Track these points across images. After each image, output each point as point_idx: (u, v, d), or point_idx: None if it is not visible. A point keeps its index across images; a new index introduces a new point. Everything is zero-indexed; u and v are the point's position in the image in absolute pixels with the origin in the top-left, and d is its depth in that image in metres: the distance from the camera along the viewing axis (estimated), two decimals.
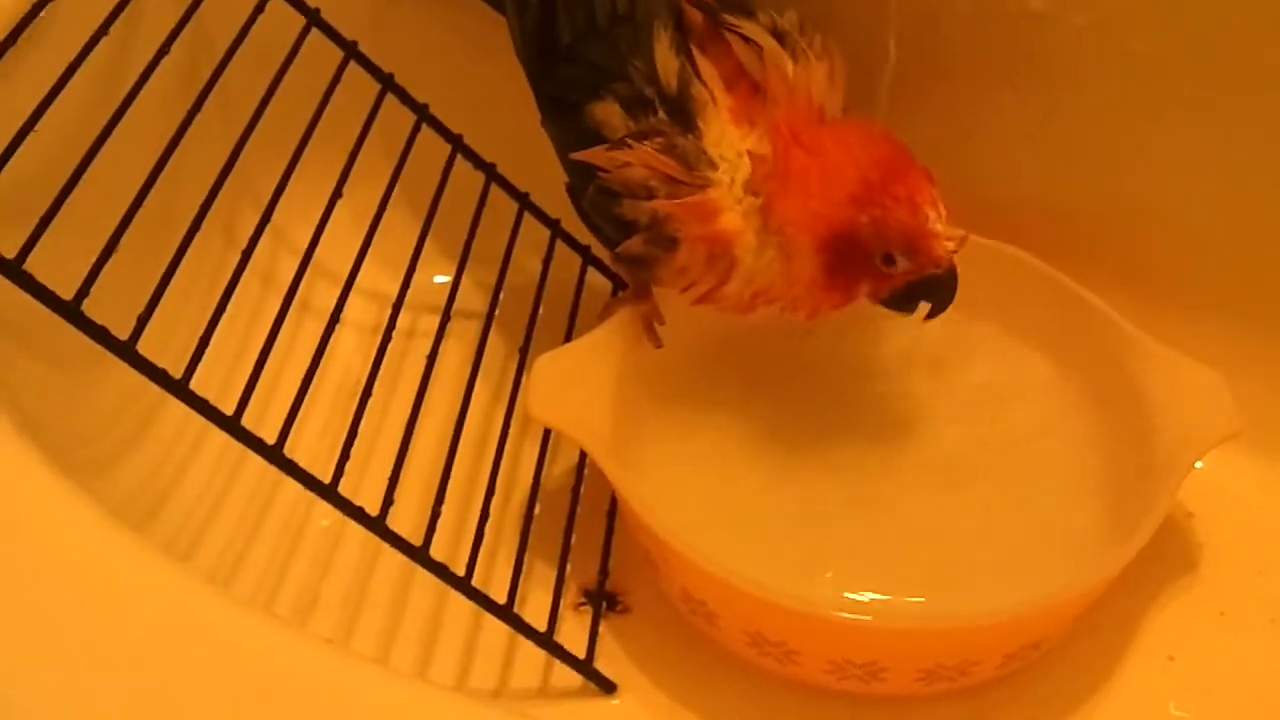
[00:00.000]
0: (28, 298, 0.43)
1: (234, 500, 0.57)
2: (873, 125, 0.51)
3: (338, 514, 0.47)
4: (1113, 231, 0.61)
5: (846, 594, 0.52)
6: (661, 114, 0.51)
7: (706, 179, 0.50)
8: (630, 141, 0.51)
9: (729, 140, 0.51)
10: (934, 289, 0.51)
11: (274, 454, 0.46)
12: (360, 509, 0.47)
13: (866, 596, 0.52)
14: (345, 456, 0.48)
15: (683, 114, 0.51)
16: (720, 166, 0.51)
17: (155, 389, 0.45)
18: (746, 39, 0.52)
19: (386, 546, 0.48)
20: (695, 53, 0.51)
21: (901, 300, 0.51)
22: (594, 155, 0.52)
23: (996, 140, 0.61)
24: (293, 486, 0.47)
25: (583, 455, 0.58)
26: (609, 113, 0.52)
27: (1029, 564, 0.53)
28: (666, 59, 0.51)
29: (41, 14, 0.49)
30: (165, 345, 0.47)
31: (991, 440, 0.58)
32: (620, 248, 0.53)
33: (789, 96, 0.51)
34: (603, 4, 0.53)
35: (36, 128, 0.46)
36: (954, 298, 0.51)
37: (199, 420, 0.45)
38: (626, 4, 0.53)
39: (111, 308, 0.45)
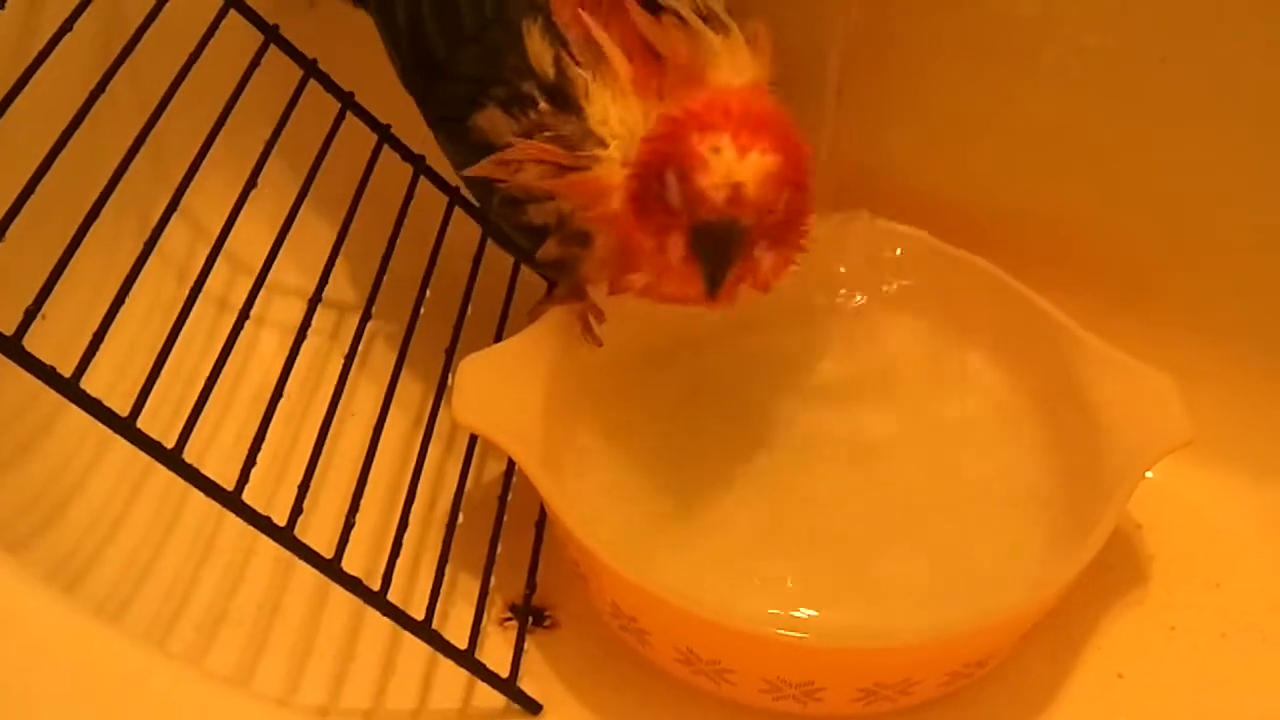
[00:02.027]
0: None
1: (139, 511, 0.54)
2: (774, 102, 0.48)
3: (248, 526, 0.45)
4: (1066, 234, 0.60)
5: (781, 610, 0.50)
6: (544, 105, 0.48)
7: (593, 157, 0.48)
8: (513, 141, 0.49)
9: (622, 116, 0.48)
10: (708, 241, 0.45)
11: (173, 459, 0.43)
12: (267, 519, 0.45)
13: (803, 612, 0.50)
14: (251, 462, 0.45)
15: (564, 99, 0.48)
16: (611, 144, 0.48)
17: (51, 392, 0.42)
18: (658, 10, 0.49)
19: (300, 560, 0.45)
20: (594, 26, 0.49)
21: (698, 258, 0.46)
22: (482, 168, 0.50)
23: (948, 139, 0.59)
24: (202, 496, 0.44)
25: (511, 463, 0.55)
26: (492, 119, 0.49)
27: (973, 577, 0.51)
28: (539, 49, 0.49)
29: None
30: (64, 344, 0.44)
31: (934, 447, 0.56)
32: (538, 254, 0.51)
33: (689, 69, 0.48)
34: (469, 9, 0.51)
35: None
36: (728, 260, 0.45)
37: (100, 426, 0.43)
38: (493, 5, 0.50)
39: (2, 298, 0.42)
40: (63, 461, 0.53)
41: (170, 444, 0.43)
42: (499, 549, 0.53)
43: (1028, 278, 0.56)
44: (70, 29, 0.50)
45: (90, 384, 0.42)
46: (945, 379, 0.58)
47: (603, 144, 0.48)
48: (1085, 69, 0.56)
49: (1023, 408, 0.56)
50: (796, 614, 0.50)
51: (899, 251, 0.59)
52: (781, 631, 0.47)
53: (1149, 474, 0.50)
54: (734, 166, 0.44)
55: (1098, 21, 0.55)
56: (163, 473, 0.44)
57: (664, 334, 0.57)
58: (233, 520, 0.44)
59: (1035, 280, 0.56)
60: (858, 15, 0.56)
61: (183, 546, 0.54)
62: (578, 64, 0.49)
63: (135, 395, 0.43)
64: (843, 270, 0.59)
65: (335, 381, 0.51)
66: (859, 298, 0.60)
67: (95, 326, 0.44)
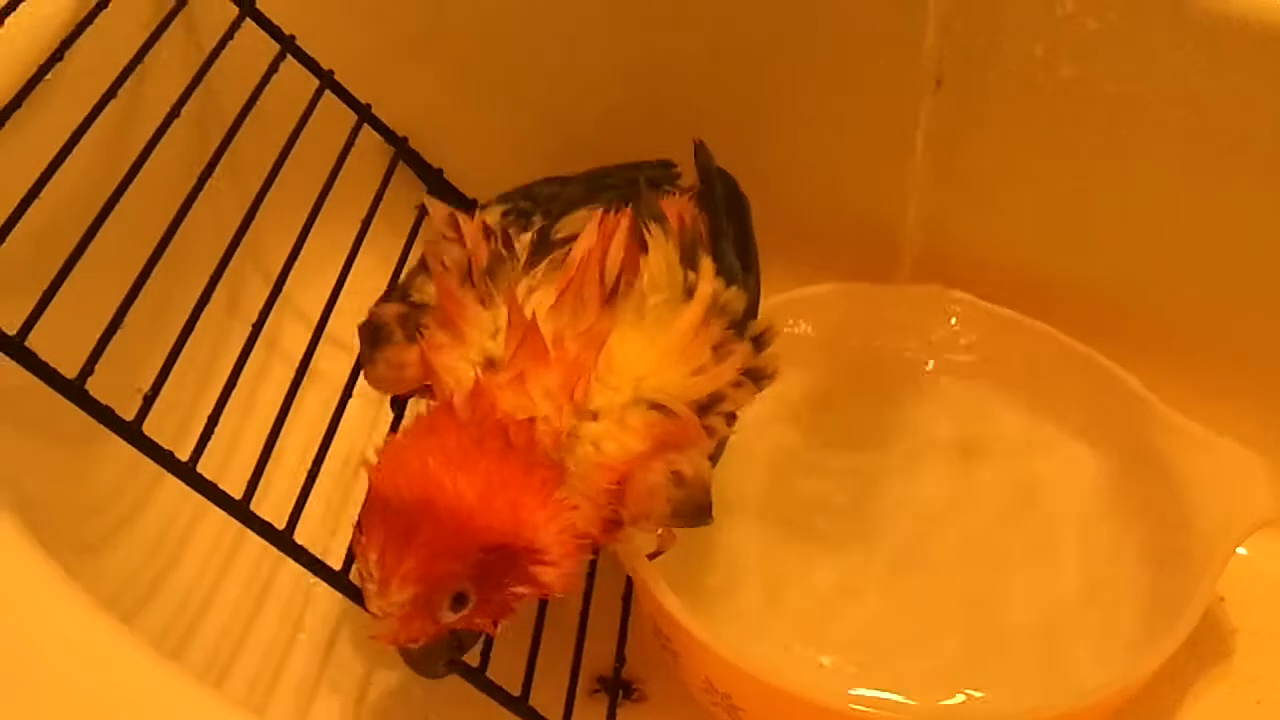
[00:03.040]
0: (22, 370, 0.42)
1: (231, 585, 0.55)
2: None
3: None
4: (1146, 307, 0.60)
5: (878, 691, 0.50)
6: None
7: None
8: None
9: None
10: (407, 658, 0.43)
11: (284, 539, 0.44)
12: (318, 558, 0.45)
13: (897, 696, 0.50)
14: (300, 506, 0.46)
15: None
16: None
17: (152, 465, 0.43)
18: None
19: None
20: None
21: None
22: None
23: (1027, 213, 0.60)
24: (292, 568, 0.45)
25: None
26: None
27: (1062, 658, 0.51)
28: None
29: (46, 76, 0.48)
30: (164, 421, 0.45)
31: (1012, 521, 0.56)
32: None
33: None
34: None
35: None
36: (426, 667, 0.43)
37: (196, 498, 0.44)
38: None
39: (110, 380, 0.43)
40: (160, 532, 0.54)
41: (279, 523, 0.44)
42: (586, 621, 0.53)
43: (1109, 352, 0.57)
44: (178, 114, 0.51)
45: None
46: (1024, 453, 0.58)
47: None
48: (1167, 145, 0.56)
49: (1111, 483, 0.56)
50: (894, 696, 0.50)
51: (975, 324, 0.60)
52: (888, 715, 0.48)
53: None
54: (379, 604, 0.39)
55: (1179, 98, 0.55)
56: (254, 545, 0.45)
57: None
58: (325, 591, 0.45)
59: (1112, 355, 0.56)
60: (943, 92, 0.57)
61: (272, 622, 0.55)
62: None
63: (196, 441, 0.44)
64: (919, 343, 0.60)
65: None
66: (934, 368, 0.60)
67: (184, 402, 0.45)
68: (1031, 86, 0.56)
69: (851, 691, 0.50)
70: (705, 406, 0.44)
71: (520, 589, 0.41)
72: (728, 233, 0.49)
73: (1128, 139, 0.57)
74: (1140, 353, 0.57)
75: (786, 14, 0.58)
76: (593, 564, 0.55)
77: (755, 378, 0.46)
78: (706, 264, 0.46)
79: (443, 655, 0.42)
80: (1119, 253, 0.59)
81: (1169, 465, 0.53)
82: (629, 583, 0.55)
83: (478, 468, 0.39)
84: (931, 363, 0.60)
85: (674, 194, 0.51)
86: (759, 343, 0.46)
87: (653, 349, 0.43)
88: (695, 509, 0.43)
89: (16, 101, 0.46)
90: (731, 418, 0.46)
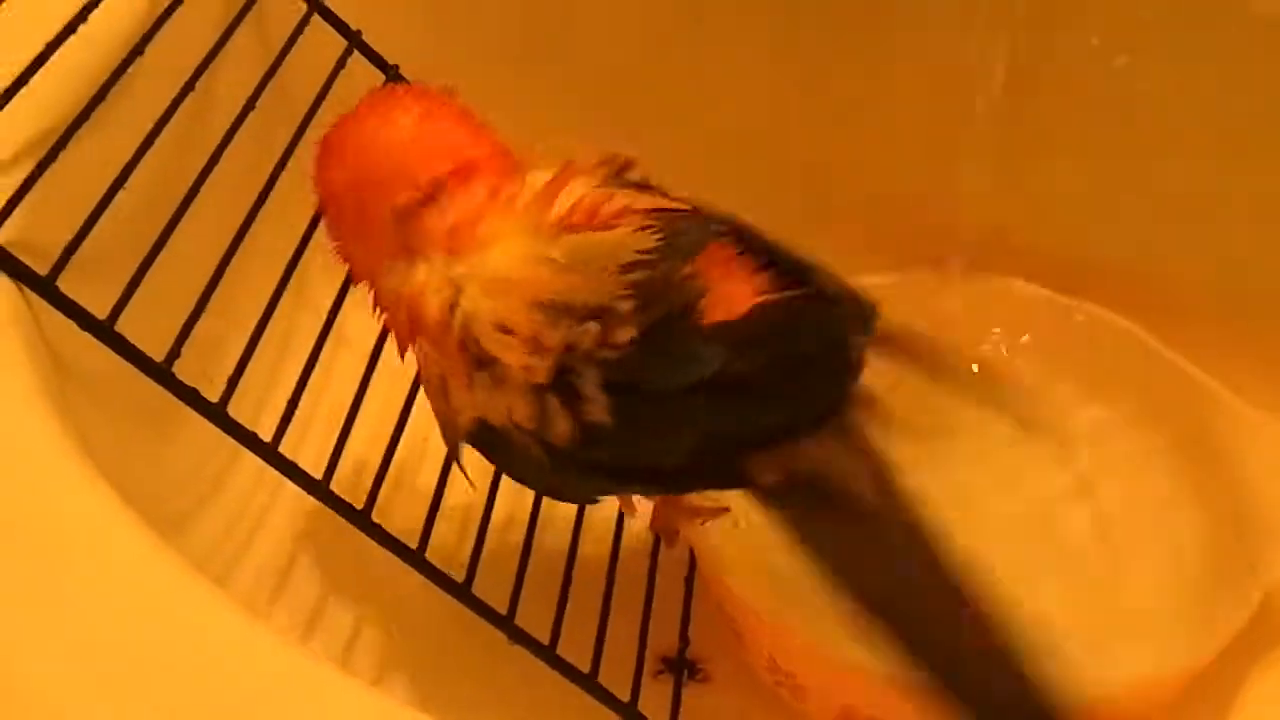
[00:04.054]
0: (100, 354, 0.43)
1: (306, 558, 0.56)
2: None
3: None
4: (1204, 293, 0.60)
5: None
6: None
7: None
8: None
9: None
10: None
11: (363, 519, 0.45)
12: (447, 576, 0.47)
13: None
14: (430, 525, 0.47)
15: None
16: None
17: (229, 445, 0.45)
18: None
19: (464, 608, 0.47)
20: None
21: None
22: None
23: (1083, 201, 0.60)
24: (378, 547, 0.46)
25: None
26: None
27: (1116, 644, 0.52)
28: None
29: (128, 69, 0.49)
30: (241, 401, 0.46)
31: (1078, 511, 0.57)
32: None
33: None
34: None
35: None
36: None
37: (273, 475, 0.45)
38: None
39: (189, 360, 0.44)
40: (239, 508, 0.56)
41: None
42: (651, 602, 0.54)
43: (1167, 338, 0.57)
44: (253, 106, 0.53)
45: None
46: (1083, 439, 0.59)
47: None
48: (1223, 132, 0.57)
49: (1165, 468, 0.57)
50: None
51: (1033, 313, 0.60)
52: None
53: None
54: None
55: (1235, 87, 0.56)
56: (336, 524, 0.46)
57: None
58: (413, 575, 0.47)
59: (1176, 341, 0.57)
60: (999, 83, 0.57)
61: (356, 594, 0.56)
62: None
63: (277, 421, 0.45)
64: (976, 332, 0.61)
65: None
66: (992, 356, 0.61)
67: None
68: (1087, 76, 0.57)
69: None
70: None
71: None
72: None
73: (1183, 127, 0.57)
74: (1198, 338, 0.58)
75: (853, 4, 0.59)
76: (656, 542, 0.56)
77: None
78: None
79: None
80: (1176, 240, 0.60)
81: (1228, 451, 0.54)
82: (693, 563, 0.56)
83: None
84: (987, 349, 0.61)
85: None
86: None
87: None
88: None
89: (101, 95, 0.47)
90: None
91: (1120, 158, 0.59)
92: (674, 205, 0.43)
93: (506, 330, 0.40)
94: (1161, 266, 0.60)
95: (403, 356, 0.45)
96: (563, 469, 0.42)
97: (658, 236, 0.40)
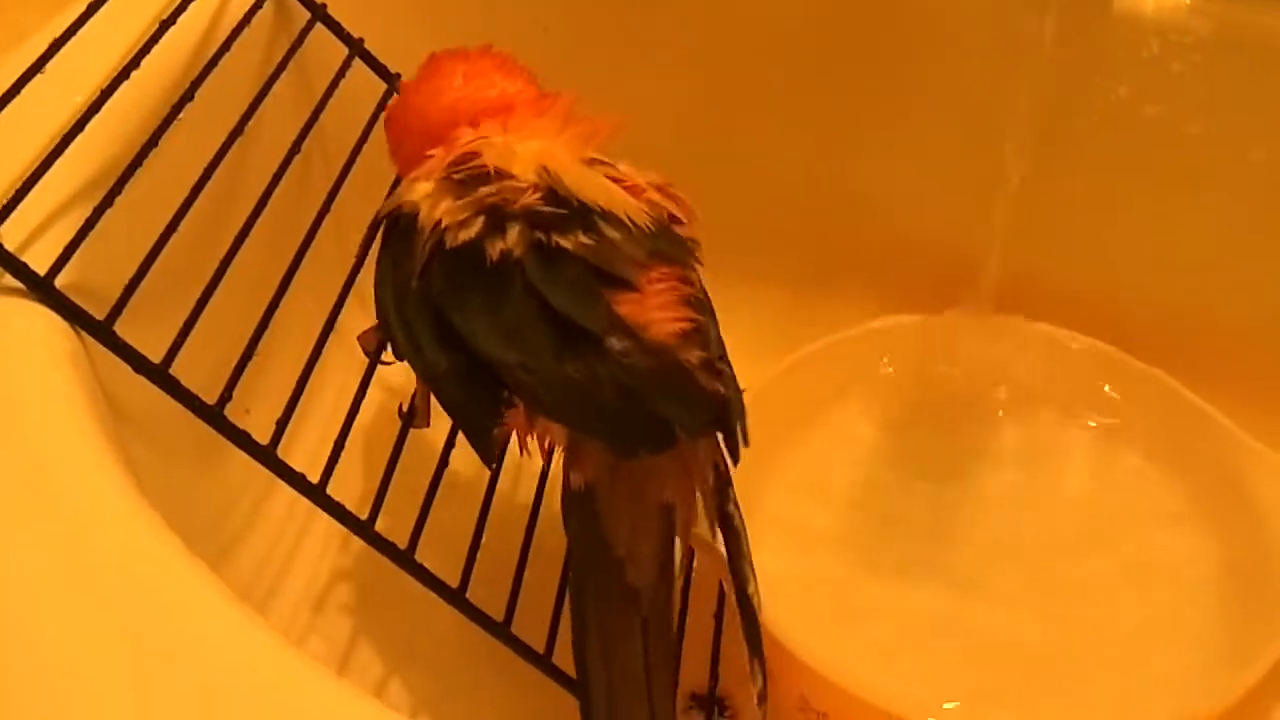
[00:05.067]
0: (148, 392, 0.44)
1: (344, 591, 0.57)
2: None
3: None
4: (1227, 338, 0.61)
5: (962, 704, 0.52)
6: None
7: None
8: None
9: None
10: None
11: (406, 559, 0.46)
12: (487, 615, 0.48)
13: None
14: (471, 563, 0.48)
15: None
16: None
17: (265, 476, 0.45)
18: None
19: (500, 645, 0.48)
20: None
21: None
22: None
23: (1108, 246, 0.61)
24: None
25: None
26: None
27: (1139, 688, 0.52)
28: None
29: (179, 116, 0.50)
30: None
31: (1099, 553, 0.57)
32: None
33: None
34: None
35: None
36: None
37: (306, 506, 0.46)
38: None
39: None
40: (274, 539, 0.57)
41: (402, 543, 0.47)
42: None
43: (1188, 380, 0.58)
44: (299, 150, 0.54)
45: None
46: (1105, 481, 0.59)
47: None
48: (1248, 181, 0.58)
49: (1187, 510, 0.57)
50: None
51: (1055, 355, 0.61)
52: None
53: None
54: None
55: (1260, 137, 0.57)
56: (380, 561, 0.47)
57: (833, 432, 0.60)
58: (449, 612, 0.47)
59: (1197, 384, 0.58)
60: (1029, 130, 0.58)
61: (389, 625, 0.57)
62: None
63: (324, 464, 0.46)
64: (999, 374, 0.62)
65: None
66: (1013, 398, 0.62)
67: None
68: (1115, 125, 0.58)
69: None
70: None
71: None
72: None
73: (1209, 175, 0.58)
74: (1219, 381, 0.59)
75: (887, 47, 0.60)
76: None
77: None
78: None
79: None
80: (1199, 284, 0.61)
81: (1251, 493, 0.55)
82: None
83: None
84: (1013, 393, 0.62)
85: None
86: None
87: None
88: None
89: (154, 140, 0.48)
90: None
91: (1147, 204, 0.60)
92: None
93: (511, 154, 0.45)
94: (1188, 313, 0.61)
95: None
96: (411, 298, 0.45)
97: (651, 223, 0.45)
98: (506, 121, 0.48)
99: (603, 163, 0.47)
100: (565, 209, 0.44)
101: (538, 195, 0.44)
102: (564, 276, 0.43)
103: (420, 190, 0.46)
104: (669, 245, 0.45)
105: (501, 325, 0.43)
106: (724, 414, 0.44)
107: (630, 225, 0.44)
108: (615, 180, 0.46)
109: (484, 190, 0.44)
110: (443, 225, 0.44)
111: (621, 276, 0.43)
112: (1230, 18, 0.57)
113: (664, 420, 0.42)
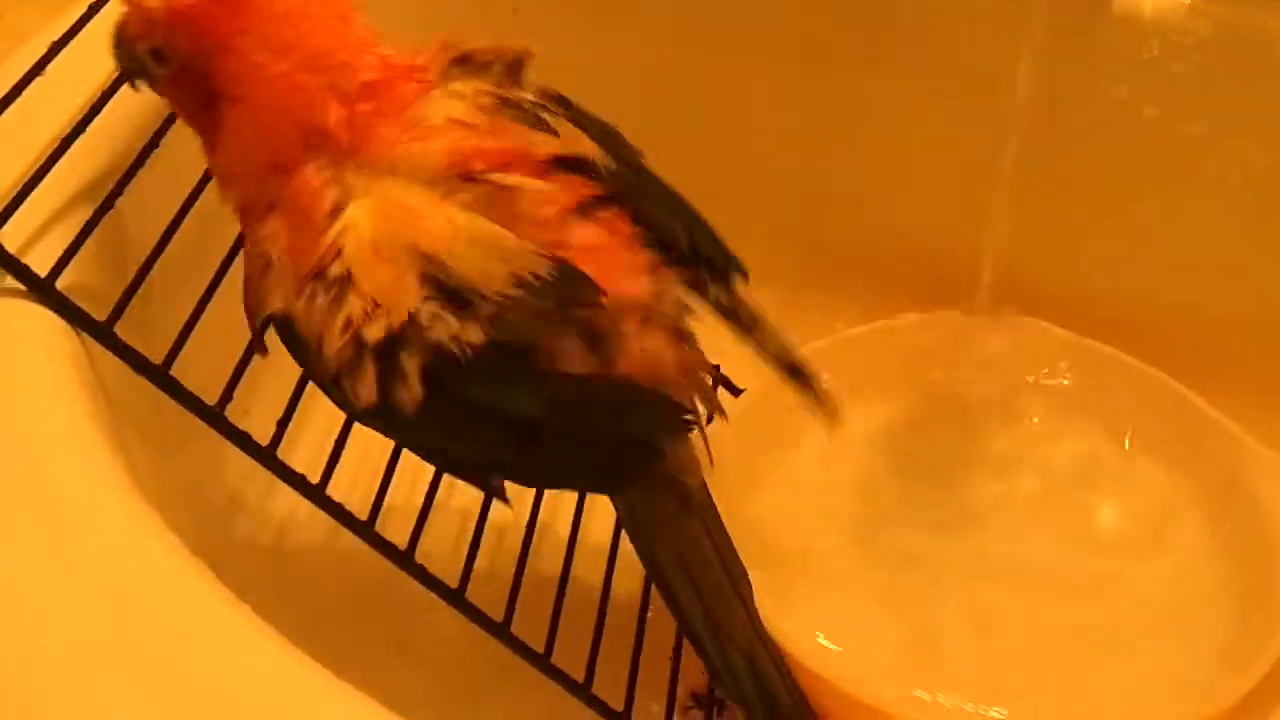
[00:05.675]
0: (147, 391, 0.44)
1: (345, 594, 0.57)
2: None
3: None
4: (1229, 338, 0.61)
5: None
6: None
7: None
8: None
9: None
10: None
11: (406, 560, 0.47)
12: (487, 616, 0.48)
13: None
14: (470, 565, 0.48)
15: None
16: None
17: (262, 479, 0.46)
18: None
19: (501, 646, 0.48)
20: None
21: None
22: None
23: (1108, 245, 0.61)
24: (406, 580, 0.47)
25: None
26: None
27: (1144, 688, 0.52)
28: None
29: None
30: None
31: (1106, 554, 0.57)
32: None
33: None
34: None
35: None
36: None
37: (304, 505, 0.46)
38: None
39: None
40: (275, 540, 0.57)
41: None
42: (683, 639, 0.55)
43: (1189, 381, 0.58)
44: None
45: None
46: (1108, 483, 0.59)
47: None
48: (1247, 182, 0.58)
49: (1191, 514, 0.57)
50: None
51: (1057, 354, 0.61)
52: None
53: None
54: None
55: (1260, 137, 0.57)
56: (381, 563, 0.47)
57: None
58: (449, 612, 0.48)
59: (1198, 384, 0.58)
60: (1028, 128, 0.58)
61: (388, 630, 0.57)
62: None
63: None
64: (1001, 373, 0.62)
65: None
66: (1016, 397, 0.62)
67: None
68: (1115, 125, 0.58)
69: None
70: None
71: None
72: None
73: (1209, 175, 0.58)
74: (1219, 381, 0.59)
75: (885, 46, 0.60)
76: None
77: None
78: None
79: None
80: (1199, 284, 0.61)
81: (1256, 497, 0.55)
82: None
83: None
84: (1014, 392, 0.62)
85: None
86: None
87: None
88: None
89: (154, 142, 0.49)
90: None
91: (1147, 204, 0.60)
92: (571, 153, 0.43)
93: (378, 256, 0.40)
94: (1188, 312, 0.61)
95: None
96: (344, 405, 0.43)
97: (551, 269, 0.40)
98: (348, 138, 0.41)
99: (472, 179, 0.41)
100: (456, 301, 0.40)
101: (428, 301, 0.39)
102: (484, 374, 0.40)
103: (279, 295, 0.42)
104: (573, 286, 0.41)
105: (457, 442, 0.43)
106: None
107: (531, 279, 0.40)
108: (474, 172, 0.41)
109: (356, 312, 0.40)
110: (333, 369, 0.41)
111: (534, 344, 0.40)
112: (1230, 18, 0.57)
113: (639, 442, 0.43)
